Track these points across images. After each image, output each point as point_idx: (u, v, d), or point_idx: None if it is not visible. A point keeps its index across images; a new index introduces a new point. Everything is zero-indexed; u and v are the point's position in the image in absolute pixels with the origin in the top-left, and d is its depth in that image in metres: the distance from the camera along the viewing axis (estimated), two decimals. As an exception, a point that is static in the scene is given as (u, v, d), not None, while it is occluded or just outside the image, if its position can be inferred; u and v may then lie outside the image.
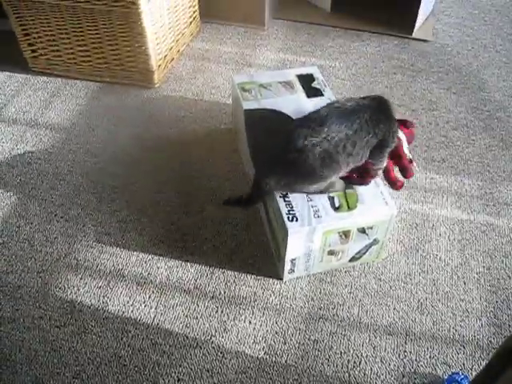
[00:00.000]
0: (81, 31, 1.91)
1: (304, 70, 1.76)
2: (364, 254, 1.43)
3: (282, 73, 1.76)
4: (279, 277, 1.42)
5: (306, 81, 1.70)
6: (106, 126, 1.85)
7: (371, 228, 1.36)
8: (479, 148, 1.82)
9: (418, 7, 2.24)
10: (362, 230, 1.35)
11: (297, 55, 2.22)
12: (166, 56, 2.04)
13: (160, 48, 1.98)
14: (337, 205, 1.33)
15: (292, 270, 1.39)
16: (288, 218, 1.30)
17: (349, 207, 1.33)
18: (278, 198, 1.34)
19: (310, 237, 1.31)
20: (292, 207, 1.32)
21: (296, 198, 1.34)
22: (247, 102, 1.62)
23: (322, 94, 1.65)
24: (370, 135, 1.31)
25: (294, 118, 1.54)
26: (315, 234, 1.30)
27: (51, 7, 1.85)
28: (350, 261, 1.44)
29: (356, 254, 1.42)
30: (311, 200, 1.34)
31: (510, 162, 1.77)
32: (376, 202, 1.35)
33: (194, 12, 2.27)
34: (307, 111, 1.52)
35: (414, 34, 2.34)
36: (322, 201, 1.34)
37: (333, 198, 1.35)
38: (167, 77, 2.07)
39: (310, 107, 1.58)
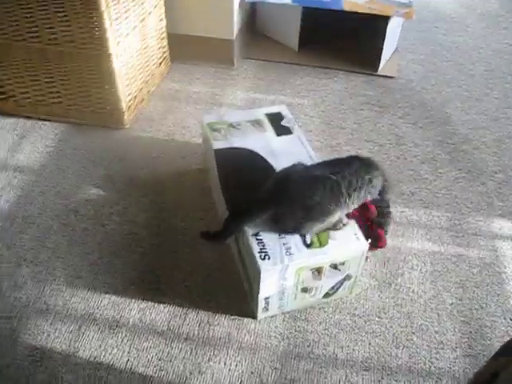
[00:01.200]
0: (50, 73, 1.91)
1: (273, 109, 1.78)
2: (338, 289, 1.43)
3: (251, 112, 1.79)
4: (253, 316, 1.41)
5: (275, 119, 1.72)
6: (76, 168, 1.84)
7: (343, 264, 1.36)
8: (447, 180, 1.86)
9: (383, 45, 2.30)
10: (335, 266, 1.35)
11: (266, 94, 2.25)
12: (135, 97, 2.05)
13: (130, 89, 1.99)
14: (308, 241, 1.33)
15: (266, 309, 1.38)
16: (260, 256, 1.29)
17: (320, 243, 1.33)
18: (249, 237, 1.34)
19: (283, 275, 1.30)
20: (264, 245, 1.31)
21: (268, 236, 1.34)
22: (217, 141, 1.63)
23: (291, 132, 1.67)
24: (369, 175, 1.37)
25: (263, 156, 1.56)
26: (288, 272, 1.30)
27: (20, 49, 1.85)
28: (324, 297, 1.44)
29: (330, 289, 1.42)
30: (283, 237, 1.34)
31: (477, 194, 1.81)
32: (347, 237, 1.36)
33: (164, 53, 2.30)
34: (276, 149, 1.54)
35: (380, 71, 2.40)
36: (293, 238, 1.34)
37: (304, 234, 1.35)
38: (137, 117, 2.08)
39: (279, 145, 1.61)
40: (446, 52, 2.62)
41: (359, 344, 1.36)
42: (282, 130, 1.68)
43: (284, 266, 1.28)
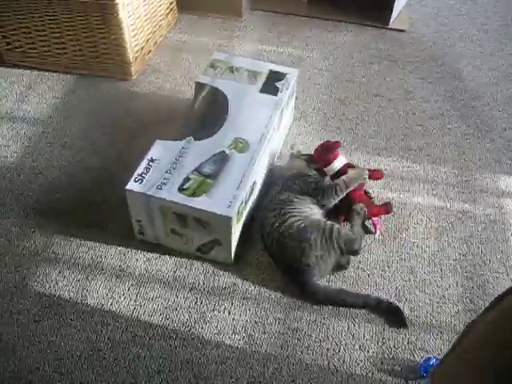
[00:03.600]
0: (56, 23, 1.89)
1: (281, 69, 1.71)
2: (210, 250, 1.40)
3: (259, 63, 1.74)
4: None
5: (273, 78, 1.66)
6: (82, 119, 1.84)
7: (207, 224, 1.33)
8: (455, 136, 1.84)
9: (395, -3, 2.25)
10: (198, 221, 1.32)
11: (274, 46, 2.21)
12: (142, 48, 2.03)
13: (137, 40, 1.96)
14: (185, 186, 1.32)
15: (141, 233, 1.44)
16: (135, 178, 1.33)
17: (193, 193, 1.31)
18: (145, 158, 1.39)
19: (148, 205, 1.33)
20: (148, 171, 1.35)
21: (160, 165, 1.37)
22: (204, 76, 1.65)
23: (275, 94, 1.61)
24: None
25: (229, 102, 1.57)
26: (152, 204, 1.32)
27: (25, -1, 1.83)
28: (198, 251, 1.42)
29: (202, 246, 1.40)
30: (170, 173, 1.35)
31: (485, 150, 1.80)
32: (221, 200, 1.31)
33: (171, 3, 2.26)
34: (246, 103, 1.58)
35: (391, 24, 2.35)
36: (179, 177, 1.34)
37: (189, 179, 1.34)
38: (144, 69, 2.06)
39: (251, 100, 1.59)
40: (460, 5, 2.56)
41: (362, 296, 1.38)
42: (268, 89, 1.62)
43: (146, 196, 1.31)
